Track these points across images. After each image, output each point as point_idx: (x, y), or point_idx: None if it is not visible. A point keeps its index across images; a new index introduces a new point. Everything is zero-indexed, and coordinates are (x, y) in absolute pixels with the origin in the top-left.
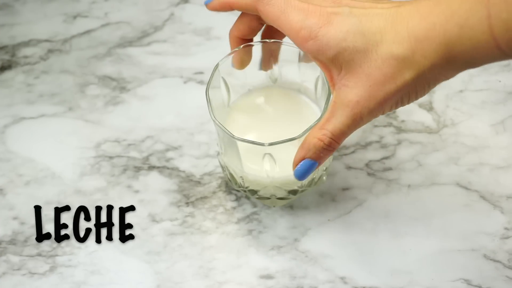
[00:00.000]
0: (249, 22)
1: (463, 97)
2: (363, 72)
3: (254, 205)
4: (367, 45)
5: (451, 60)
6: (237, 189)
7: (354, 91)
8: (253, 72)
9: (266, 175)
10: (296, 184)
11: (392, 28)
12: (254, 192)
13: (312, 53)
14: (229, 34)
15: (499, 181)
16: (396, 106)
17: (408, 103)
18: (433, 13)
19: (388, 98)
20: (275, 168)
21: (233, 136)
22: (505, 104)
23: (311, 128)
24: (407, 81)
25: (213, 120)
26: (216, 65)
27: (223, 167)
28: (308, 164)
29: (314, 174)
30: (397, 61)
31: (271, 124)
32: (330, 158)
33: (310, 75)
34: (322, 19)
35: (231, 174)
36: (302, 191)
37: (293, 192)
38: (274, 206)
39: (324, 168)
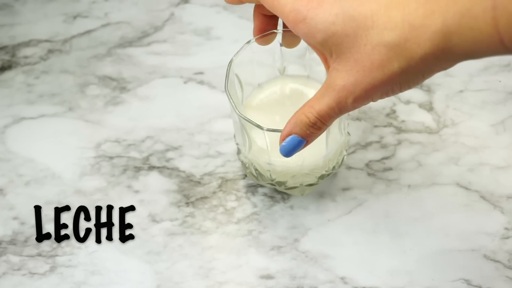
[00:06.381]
0: None
1: (463, 97)
2: (352, 57)
3: (254, 205)
4: (357, 29)
5: (448, 51)
6: (263, 184)
7: (342, 75)
8: (260, 65)
9: (295, 164)
10: (324, 169)
11: (386, 12)
12: (281, 183)
13: (303, 36)
14: (254, 10)
15: (499, 181)
16: (387, 95)
17: (401, 91)
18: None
19: (375, 86)
20: (303, 153)
21: (262, 128)
22: (505, 104)
23: None
24: (395, 71)
25: (239, 115)
26: (230, 61)
27: (247, 165)
28: (295, 140)
29: (339, 156)
30: (387, 48)
31: (289, 113)
32: (349, 138)
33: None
34: (311, 1)
35: (257, 170)
36: (329, 174)
37: (321, 177)
38: (302, 195)
39: (346, 148)
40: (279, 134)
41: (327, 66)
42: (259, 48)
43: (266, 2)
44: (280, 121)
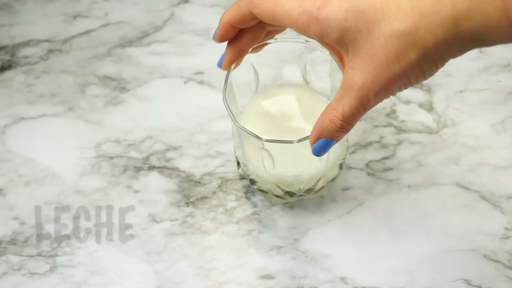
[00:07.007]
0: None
1: (463, 97)
2: (367, 53)
3: (254, 205)
4: (368, 23)
5: (459, 36)
6: (290, 201)
7: (359, 73)
8: (239, 92)
9: (321, 164)
10: (341, 157)
11: (395, 3)
12: (311, 190)
13: (317, 37)
14: (228, 45)
15: (499, 181)
16: (405, 87)
17: (417, 83)
18: None
19: (393, 79)
20: (272, 164)
21: (292, 142)
22: (505, 104)
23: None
24: (412, 61)
25: (265, 141)
26: (229, 70)
27: (267, 190)
28: (324, 142)
29: (317, 183)
30: (400, 39)
31: (285, 123)
32: (339, 172)
33: (314, 67)
34: (319, 0)
35: (283, 189)
36: (301, 195)
37: (340, 166)
38: (329, 192)
39: (331, 179)
40: (306, 142)
41: (343, 66)
42: (236, 76)
43: (266, 15)
44: (280, 131)
